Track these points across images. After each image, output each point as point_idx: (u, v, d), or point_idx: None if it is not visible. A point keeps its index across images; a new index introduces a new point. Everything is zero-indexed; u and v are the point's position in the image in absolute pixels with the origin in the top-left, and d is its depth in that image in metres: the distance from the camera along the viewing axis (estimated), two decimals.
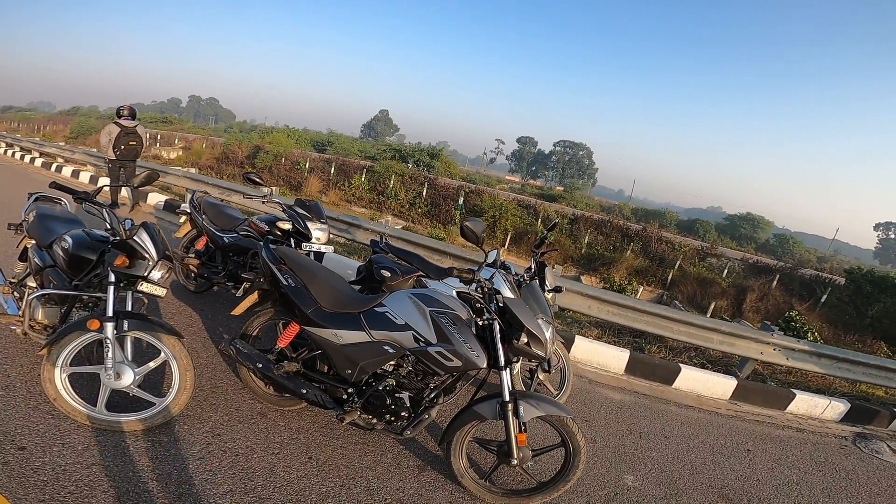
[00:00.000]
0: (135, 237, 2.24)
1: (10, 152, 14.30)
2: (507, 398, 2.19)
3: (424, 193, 24.10)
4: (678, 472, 3.06)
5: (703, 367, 5.00)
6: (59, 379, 2.19)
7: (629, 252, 21.72)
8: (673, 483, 2.91)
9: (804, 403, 4.61)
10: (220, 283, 3.78)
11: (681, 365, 4.68)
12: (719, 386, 4.56)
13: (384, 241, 3.99)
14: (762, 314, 18.35)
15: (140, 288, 2.30)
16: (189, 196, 4.40)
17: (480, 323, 2.27)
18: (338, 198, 22.86)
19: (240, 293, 3.52)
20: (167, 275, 2.38)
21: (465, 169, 51.19)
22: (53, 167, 11.64)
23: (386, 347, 2.23)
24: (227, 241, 3.77)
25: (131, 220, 2.41)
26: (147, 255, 2.24)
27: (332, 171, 25.04)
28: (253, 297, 2.75)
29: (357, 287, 3.82)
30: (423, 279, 3.45)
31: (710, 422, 4.01)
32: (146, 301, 2.66)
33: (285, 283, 2.40)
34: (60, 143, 16.54)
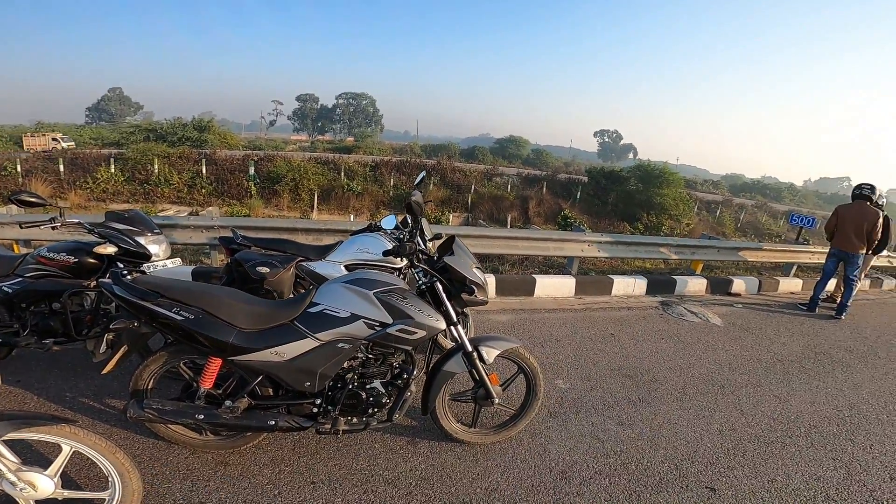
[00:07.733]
0: None
1: None
2: (470, 348, 2.38)
3: (205, 171, 21.03)
4: (587, 367, 3.76)
5: (544, 273, 6.12)
6: None
7: (431, 186, 23.54)
8: (590, 377, 3.60)
9: (621, 285, 5.97)
10: (25, 343, 2.85)
11: (534, 276, 5.65)
12: (565, 286, 5.68)
13: (239, 236, 3.50)
14: (543, 217, 22.57)
15: None
16: None
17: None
18: (83, 199, 18.08)
19: (102, 349, 2.73)
20: None
21: (243, 137, 45.81)
22: None
23: (340, 345, 2.08)
24: (9, 290, 2.80)
25: None
26: None
27: (62, 169, 19.45)
28: (123, 349, 2.18)
29: None
30: (305, 263, 3.29)
31: (576, 318, 4.94)
32: None
33: (181, 318, 1.95)
34: None
